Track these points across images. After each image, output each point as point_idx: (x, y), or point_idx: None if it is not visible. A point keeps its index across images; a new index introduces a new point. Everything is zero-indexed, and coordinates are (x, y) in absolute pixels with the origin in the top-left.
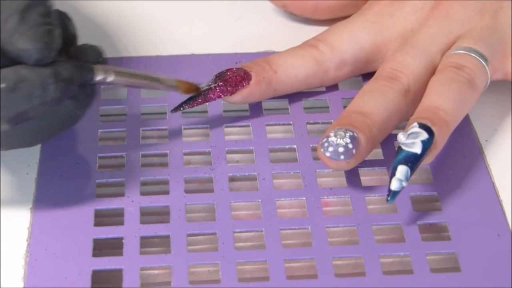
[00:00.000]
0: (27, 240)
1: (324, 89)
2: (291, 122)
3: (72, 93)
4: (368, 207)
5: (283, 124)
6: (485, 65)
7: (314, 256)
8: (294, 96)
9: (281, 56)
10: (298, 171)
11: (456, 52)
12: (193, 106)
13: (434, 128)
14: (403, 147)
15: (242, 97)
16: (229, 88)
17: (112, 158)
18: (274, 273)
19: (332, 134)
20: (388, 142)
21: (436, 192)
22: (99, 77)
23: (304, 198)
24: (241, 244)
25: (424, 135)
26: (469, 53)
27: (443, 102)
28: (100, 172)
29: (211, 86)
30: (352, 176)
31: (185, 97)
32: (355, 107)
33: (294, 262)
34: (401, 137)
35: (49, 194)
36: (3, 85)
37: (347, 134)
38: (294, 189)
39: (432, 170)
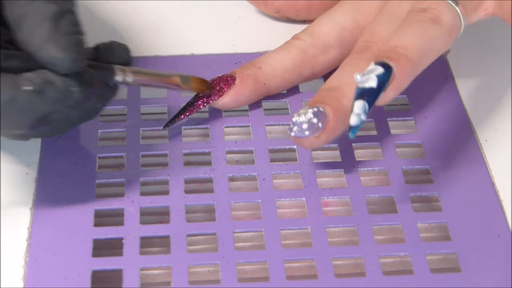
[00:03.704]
0: (27, 240)
1: None
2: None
3: (94, 95)
4: (368, 207)
5: (283, 124)
6: (452, 3)
7: (314, 256)
8: (294, 96)
9: (265, 54)
10: (298, 171)
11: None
12: (184, 118)
13: (390, 63)
14: (359, 85)
15: (230, 97)
16: (215, 92)
17: (112, 158)
18: (274, 273)
19: (295, 115)
20: (388, 142)
21: (436, 192)
22: (118, 78)
23: (304, 198)
24: (241, 244)
25: (379, 70)
26: None
27: (400, 40)
28: (100, 172)
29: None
30: (352, 176)
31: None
32: (324, 85)
33: (294, 262)
34: (357, 77)
35: (49, 194)
36: (29, 88)
37: (309, 111)
38: (294, 189)
39: (432, 170)
